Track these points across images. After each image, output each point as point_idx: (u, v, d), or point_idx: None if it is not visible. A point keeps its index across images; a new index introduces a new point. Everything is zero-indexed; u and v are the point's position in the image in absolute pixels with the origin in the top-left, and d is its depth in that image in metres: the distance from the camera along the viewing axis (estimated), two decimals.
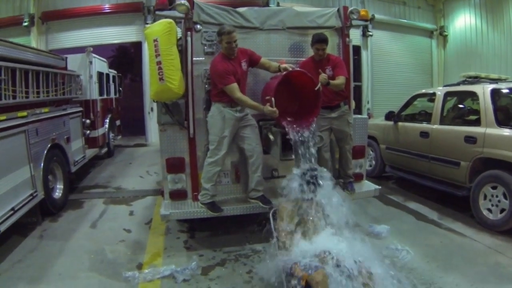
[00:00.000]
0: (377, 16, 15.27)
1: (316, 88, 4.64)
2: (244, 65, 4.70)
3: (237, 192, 5.25)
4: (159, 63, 4.50)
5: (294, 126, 4.65)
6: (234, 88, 4.46)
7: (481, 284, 4.09)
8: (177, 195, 5.06)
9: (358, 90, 15.03)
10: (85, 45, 11.24)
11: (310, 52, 5.19)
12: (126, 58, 27.54)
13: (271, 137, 4.80)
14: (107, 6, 14.29)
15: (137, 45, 15.73)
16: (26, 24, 13.60)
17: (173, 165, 4.98)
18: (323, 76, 4.69)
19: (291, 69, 4.59)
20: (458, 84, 6.99)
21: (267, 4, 13.38)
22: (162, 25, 4.59)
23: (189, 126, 4.89)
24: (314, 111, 4.81)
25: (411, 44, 16.78)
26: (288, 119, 4.75)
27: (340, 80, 4.88)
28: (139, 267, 4.60)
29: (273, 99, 4.37)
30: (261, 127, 5.08)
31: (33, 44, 13.24)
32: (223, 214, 4.84)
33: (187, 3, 4.67)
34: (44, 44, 13.99)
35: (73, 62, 9.16)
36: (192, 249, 5.10)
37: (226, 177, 5.19)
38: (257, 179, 4.88)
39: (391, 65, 16.37)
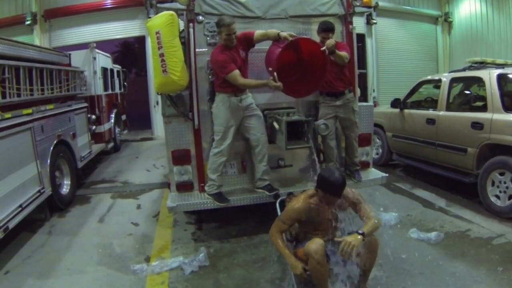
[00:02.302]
0: (381, 3, 14.92)
1: (322, 49, 4.59)
2: (242, 52, 4.67)
3: (243, 182, 5.24)
4: (162, 55, 4.49)
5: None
6: (236, 75, 4.45)
7: (490, 271, 4.06)
8: (184, 187, 5.06)
9: (363, 78, 14.94)
10: (88, 41, 11.20)
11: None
12: (130, 53, 27.65)
13: (276, 126, 4.77)
14: (109, 1, 14.28)
15: (141, 40, 15.73)
16: (28, 22, 13.65)
17: (179, 157, 4.98)
18: (331, 42, 4.64)
19: (291, 38, 4.54)
20: (463, 69, 6.91)
21: None
22: (164, 17, 4.57)
23: (194, 118, 4.90)
24: (320, 77, 4.81)
25: (416, 31, 16.63)
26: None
27: (343, 53, 4.83)
28: (147, 260, 4.63)
29: (275, 73, 4.36)
30: (266, 116, 5.06)
31: (37, 42, 13.28)
32: (230, 205, 4.83)
33: None
34: (47, 42, 14.01)
35: (77, 59, 9.21)
36: (199, 240, 5.12)
37: (232, 167, 5.18)
38: (263, 168, 4.88)
39: (396, 52, 16.23)
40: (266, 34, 4.68)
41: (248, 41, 4.73)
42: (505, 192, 5.48)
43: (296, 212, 3.57)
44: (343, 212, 3.57)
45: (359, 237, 3.14)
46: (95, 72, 9.99)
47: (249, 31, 4.74)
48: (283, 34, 4.53)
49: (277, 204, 4.20)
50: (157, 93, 5.11)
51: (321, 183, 3.41)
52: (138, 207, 6.64)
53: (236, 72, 4.45)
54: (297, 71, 4.99)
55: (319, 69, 4.79)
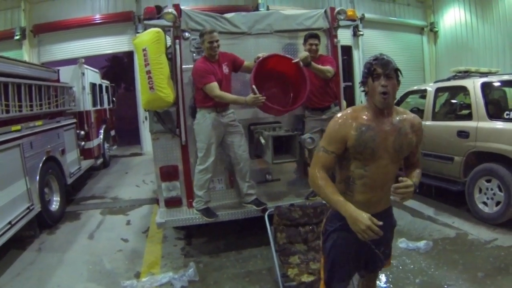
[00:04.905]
0: (367, 15, 15.31)
1: (293, 61, 4.67)
2: (225, 68, 4.72)
3: (231, 197, 5.26)
4: (148, 72, 4.52)
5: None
6: (213, 86, 4.48)
7: (480, 278, 4.10)
8: (172, 203, 5.08)
9: (349, 91, 15.03)
10: (77, 57, 11.22)
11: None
12: (119, 68, 27.62)
13: (263, 140, 4.81)
14: (98, 16, 14.30)
15: (130, 55, 15.78)
16: (17, 37, 13.58)
17: (167, 173, 5.01)
18: (303, 54, 4.70)
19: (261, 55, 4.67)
20: (448, 79, 7.01)
21: (257, 8, 13.40)
22: (150, 34, 4.62)
23: (181, 134, 4.93)
24: (303, 93, 4.82)
25: (402, 42, 16.77)
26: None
27: (325, 67, 4.88)
28: (137, 275, 4.61)
29: (254, 86, 4.43)
30: (253, 131, 5.11)
31: (25, 57, 13.23)
32: (218, 220, 4.84)
33: (174, 12, 4.70)
34: (36, 57, 13.98)
35: (66, 74, 9.17)
36: (189, 255, 5.11)
37: (220, 183, 5.21)
38: (247, 184, 4.92)
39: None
40: (253, 65, 4.78)
41: (235, 64, 4.84)
42: (492, 198, 5.54)
43: (341, 126, 2.41)
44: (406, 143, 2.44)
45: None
46: (83, 88, 9.95)
47: (241, 59, 4.86)
48: (258, 55, 4.71)
49: (266, 218, 4.22)
50: (145, 110, 5.14)
51: (364, 68, 2.48)
52: (128, 223, 6.62)
53: (214, 84, 4.48)
54: (285, 93, 5.05)
55: (303, 83, 4.82)
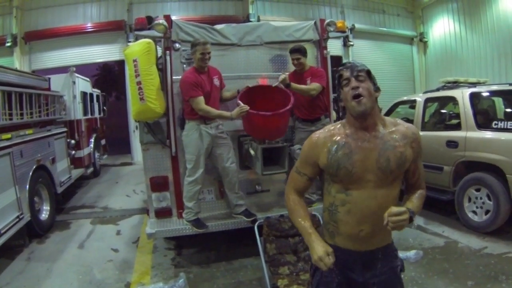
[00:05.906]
0: (357, 25, 15.40)
1: (273, 86, 4.75)
2: (216, 80, 4.76)
3: (221, 208, 5.25)
4: (139, 83, 4.52)
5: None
6: (200, 100, 4.50)
7: (471, 285, 4.14)
8: (162, 213, 5.06)
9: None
10: (68, 65, 11.18)
11: (289, 66, 5.28)
12: (110, 77, 27.60)
13: (252, 152, 4.83)
14: (89, 25, 14.24)
15: (121, 63, 15.67)
16: (9, 44, 13.48)
17: (157, 184, 5.00)
18: (282, 76, 4.74)
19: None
20: (437, 89, 7.09)
21: (247, 18, 13.47)
22: (141, 45, 4.63)
23: (171, 145, 4.92)
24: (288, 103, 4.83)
25: (392, 52, 16.88)
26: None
27: (308, 86, 4.93)
28: (128, 286, 4.60)
29: (240, 101, 4.52)
30: (242, 143, 5.12)
31: (16, 65, 13.16)
32: (208, 231, 4.84)
33: (165, 23, 4.72)
34: (27, 65, 13.87)
35: (57, 83, 9.17)
36: (179, 266, 5.09)
37: (210, 193, 5.21)
38: (237, 195, 4.93)
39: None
40: (231, 93, 4.97)
41: (221, 83, 4.92)
42: (481, 207, 5.60)
43: (313, 147, 2.18)
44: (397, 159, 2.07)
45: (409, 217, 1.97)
46: (74, 97, 9.94)
47: (223, 82, 4.96)
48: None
49: (256, 229, 4.23)
50: (135, 121, 5.14)
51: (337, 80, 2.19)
52: (118, 233, 6.59)
53: (201, 98, 4.51)
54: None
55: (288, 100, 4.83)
